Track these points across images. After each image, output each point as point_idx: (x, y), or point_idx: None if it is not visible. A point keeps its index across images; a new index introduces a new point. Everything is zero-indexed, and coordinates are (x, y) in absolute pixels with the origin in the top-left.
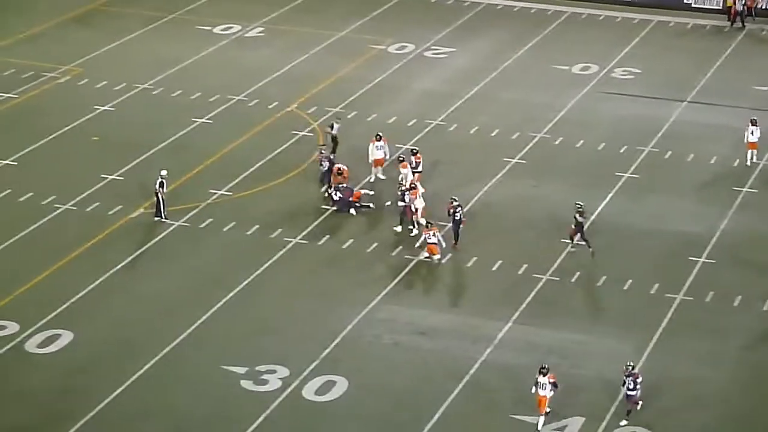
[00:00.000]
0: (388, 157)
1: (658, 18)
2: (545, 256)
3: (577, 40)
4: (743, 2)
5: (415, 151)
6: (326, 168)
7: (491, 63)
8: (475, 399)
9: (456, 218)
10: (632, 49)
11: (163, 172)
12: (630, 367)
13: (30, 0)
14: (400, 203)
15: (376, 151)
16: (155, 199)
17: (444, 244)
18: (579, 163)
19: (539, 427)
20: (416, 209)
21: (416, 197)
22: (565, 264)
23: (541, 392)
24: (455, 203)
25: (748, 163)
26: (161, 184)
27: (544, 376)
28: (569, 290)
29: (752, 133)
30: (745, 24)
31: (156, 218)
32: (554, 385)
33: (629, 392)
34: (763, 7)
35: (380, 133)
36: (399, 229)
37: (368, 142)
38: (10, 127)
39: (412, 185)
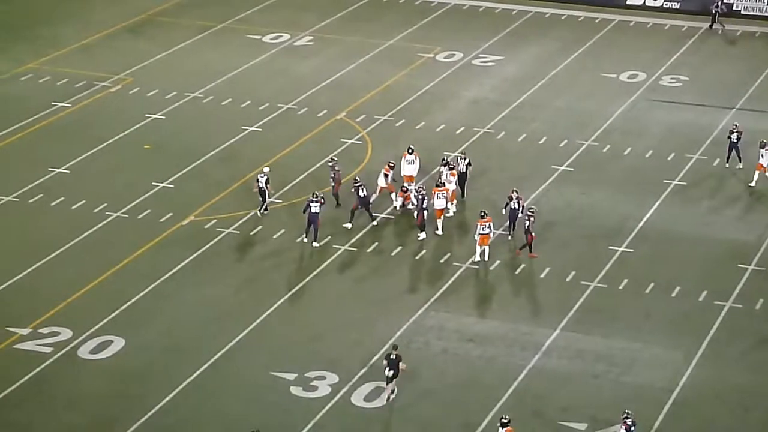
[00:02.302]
0: (416, 173)
1: (706, 25)
2: (593, 263)
3: (625, 47)
4: (716, 4)
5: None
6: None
7: (539, 71)
8: (524, 406)
9: (513, 208)
10: (680, 56)
11: (266, 169)
12: (627, 415)
13: (83, 11)
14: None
15: (407, 166)
16: (261, 197)
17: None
18: (627, 170)
19: None
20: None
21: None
22: (613, 271)
23: None
24: (515, 195)
25: (753, 183)
26: (267, 181)
27: (503, 428)
28: (617, 297)
29: (762, 155)
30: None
31: (263, 213)
32: None
33: None
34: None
35: (412, 146)
36: (423, 235)
37: (411, 146)
38: (63, 136)
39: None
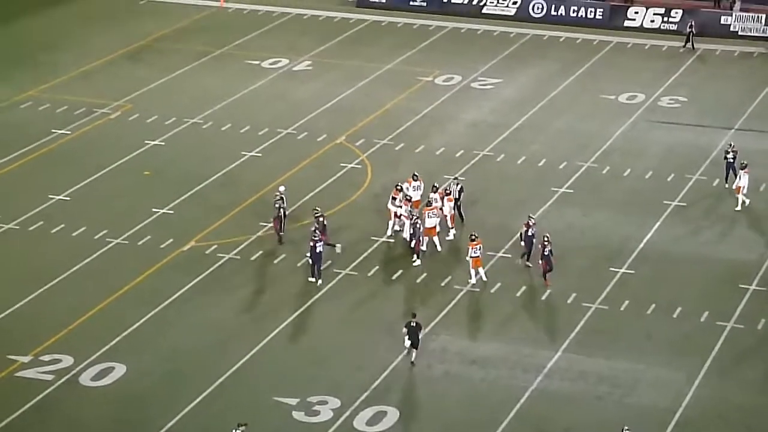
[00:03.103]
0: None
1: (704, 46)
2: (594, 284)
3: (623, 69)
4: (689, 23)
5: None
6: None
7: (538, 93)
8: (526, 428)
9: (529, 234)
10: (679, 77)
11: (282, 188)
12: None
13: (82, 38)
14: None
15: (413, 192)
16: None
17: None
18: (627, 191)
19: None
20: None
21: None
22: (614, 292)
23: None
24: (532, 222)
25: (738, 207)
26: (282, 199)
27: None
28: (619, 319)
29: (740, 178)
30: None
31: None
32: None
33: None
34: None
35: (416, 173)
36: (418, 262)
37: (415, 173)
38: (63, 163)
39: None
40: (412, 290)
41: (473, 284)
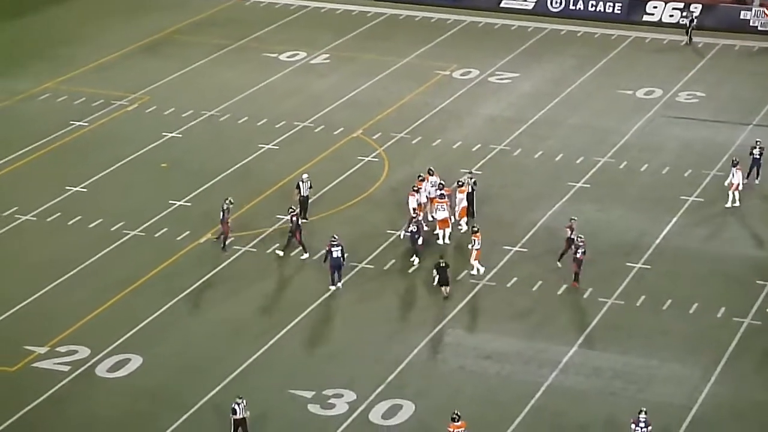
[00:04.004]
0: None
1: (722, 41)
2: (610, 279)
3: (641, 64)
4: (689, 18)
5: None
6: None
7: (555, 88)
8: (541, 423)
9: (571, 237)
10: (697, 72)
11: (305, 176)
12: (642, 413)
13: (100, 31)
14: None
15: (432, 188)
16: (301, 205)
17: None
18: (643, 187)
19: None
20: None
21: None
22: (630, 287)
23: None
24: (574, 223)
25: (729, 204)
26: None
27: (455, 421)
28: (634, 314)
29: (733, 174)
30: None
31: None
32: None
33: None
34: None
35: (432, 168)
36: (417, 261)
37: (431, 168)
38: (80, 155)
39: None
40: (428, 284)
41: (477, 275)
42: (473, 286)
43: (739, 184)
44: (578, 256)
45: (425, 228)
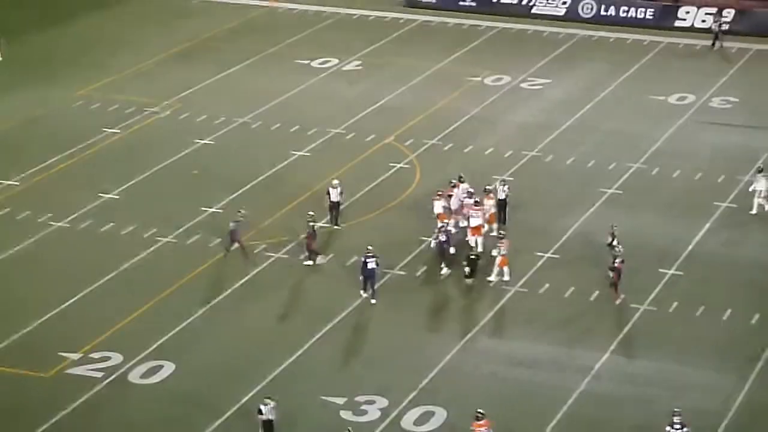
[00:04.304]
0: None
1: (756, 47)
2: (643, 285)
3: (674, 69)
4: (718, 23)
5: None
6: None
7: (587, 94)
8: (574, 430)
9: (612, 244)
10: (730, 78)
11: (336, 181)
12: (677, 415)
13: (133, 38)
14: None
15: (461, 194)
16: (333, 211)
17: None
18: (676, 193)
19: None
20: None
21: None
22: (663, 294)
23: None
24: (615, 230)
25: (754, 211)
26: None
27: (479, 420)
28: (667, 320)
29: (758, 180)
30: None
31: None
32: None
33: None
34: None
35: (462, 175)
36: (446, 271)
37: (461, 174)
38: (113, 162)
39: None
40: (461, 291)
41: (504, 281)
42: (505, 293)
43: (762, 191)
44: (615, 264)
45: (453, 232)
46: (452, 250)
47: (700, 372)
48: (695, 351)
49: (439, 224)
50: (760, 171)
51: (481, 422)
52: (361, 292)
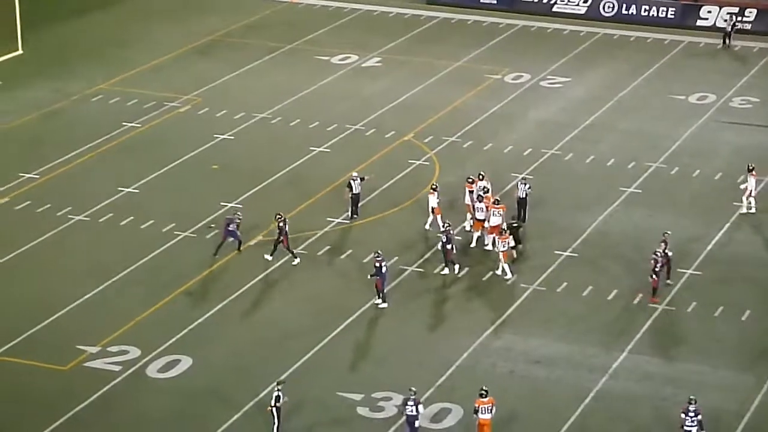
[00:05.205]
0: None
1: None
2: (661, 285)
3: (694, 69)
4: (732, 22)
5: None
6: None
7: (607, 93)
8: (591, 428)
9: (668, 255)
10: (751, 77)
11: (355, 174)
12: (692, 402)
13: (153, 33)
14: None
15: (480, 192)
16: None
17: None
18: (695, 192)
19: None
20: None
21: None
22: (682, 293)
23: (482, 416)
24: (668, 237)
25: (744, 210)
26: (360, 183)
27: (483, 397)
28: (686, 320)
29: (747, 180)
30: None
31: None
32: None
33: (687, 428)
34: None
35: (482, 173)
36: (447, 271)
37: (481, 172)
38: (133, 156)
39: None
40: (478, 288)
41: (506, 277)
42: (523, 291)
43: (752, 191)
44: (657, 269)
45: (453, 233)
46: (453, 249)
47: (718, 372)
48: (713, 351)
49: (442, 226)
50: (750, 170)
51: (485, 399)
52: (376, 300)
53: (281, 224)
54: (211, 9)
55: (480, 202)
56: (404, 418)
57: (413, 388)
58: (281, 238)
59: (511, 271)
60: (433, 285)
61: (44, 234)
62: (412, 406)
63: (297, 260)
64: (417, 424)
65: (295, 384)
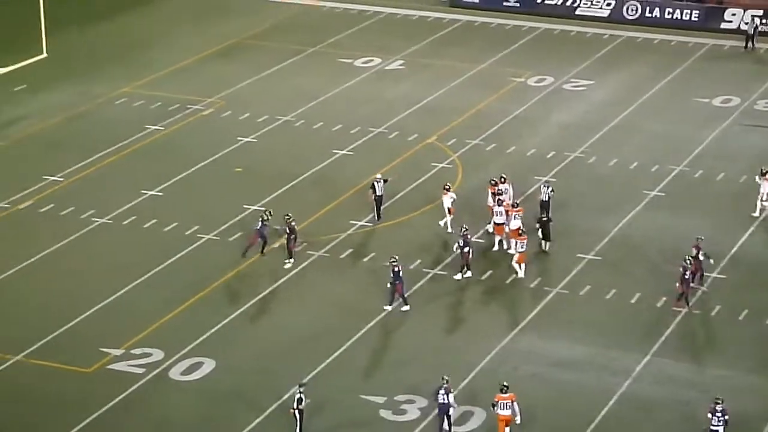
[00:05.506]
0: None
1: None
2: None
3: (718, 72)
4: (754, 25)
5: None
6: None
7: (631, 96)
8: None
9: (699, 257)
10: None
11: (379, 175)
12: (719, 402)
13: (176, 36)
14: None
15: (502, 195)
16: (376, 205)
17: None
18: (719, 195)
19: None
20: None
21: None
22: (705, 297)
23: (501, 412)
24: (700, 242)
25: (756, 213)
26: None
27: (503, 393)
28: (710, 323)
29: (760, 184)
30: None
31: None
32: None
33: (713, 427)
34: None
35: (504, 175)
36: (469, 274)
37: (505, 174)
38: (156, 158)
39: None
40: (501, 291)
41: (520, 277)
42: (546, 294)
43: (764, 194)
44: (686, 276)
45: (470, 237)
46: (470, 253)
47: (743, 376)
48: (738, 354)
49: (461, 230)
50: (763, 174)
51: (505, 395)
52: (391, 305)
53: (293, 223)
54: (235, 12)
55: (499, 205)
56: (436, 408)
57: (446, 377)
58: (293, 236)
59: (524, 273)
60: (456, 288)
61: (68, 237)
62: (443, 394)
63: (290, 262)
64: (451, 412)
65: (317, 386)
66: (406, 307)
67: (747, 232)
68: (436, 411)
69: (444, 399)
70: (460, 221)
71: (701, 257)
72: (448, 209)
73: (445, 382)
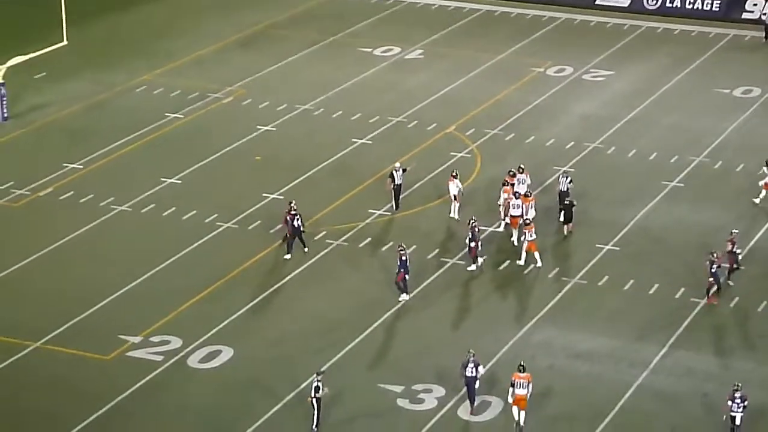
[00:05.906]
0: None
1: None
2: (702, 280)
3: (739, 62)
4: None
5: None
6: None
7: (650, 86)
8: (631, 423)
9: (735, 252)
10: None
11: (398, 164)
12: (738, 388)
13: (196, 24)
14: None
15: (519, 185)
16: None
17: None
18: (739, 187)
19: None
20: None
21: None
22: (724, 289)
23: (518, 391)
24: (735, 236)
25: (757, 200)
26: (403, 174)
27: (520, 372)
28: (728, 315)
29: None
30: None
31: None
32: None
33: (732, 413)
34: None
35: (522, 166)
36: (473, 267)
37: (521, 165)
38: (175, 147)
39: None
40: (519, 281)
41: (539, 266)
42: (564, 285)
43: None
44: (713, 270)
45: (477, 230)
46: (478, 247)
47: (763, 368)
48: (757, 346)
49: (469, 222)
50: None
51: (523, 375)
52: (404, 296)
53: (297, 217)
54: (255, 1)
55: (516, 198)
56: (463, 380)
57: (472, 350)
58: (299, 225)
59: (525, 261)
60: (473, 278)
61: (87, 224)
62: (472, 367)
63: (288, 255)
64: (477, 384)
65: (335, 375)
66: (404, 296)
67: (766, 225)
68: (465, 387)
69: (472, 372)
70: (476, 212)
71: (737, 251)
72: (454, 196)
73: (471, 355)
